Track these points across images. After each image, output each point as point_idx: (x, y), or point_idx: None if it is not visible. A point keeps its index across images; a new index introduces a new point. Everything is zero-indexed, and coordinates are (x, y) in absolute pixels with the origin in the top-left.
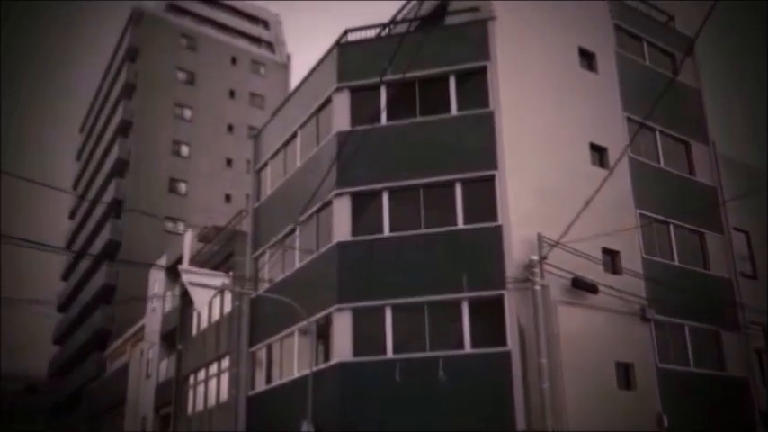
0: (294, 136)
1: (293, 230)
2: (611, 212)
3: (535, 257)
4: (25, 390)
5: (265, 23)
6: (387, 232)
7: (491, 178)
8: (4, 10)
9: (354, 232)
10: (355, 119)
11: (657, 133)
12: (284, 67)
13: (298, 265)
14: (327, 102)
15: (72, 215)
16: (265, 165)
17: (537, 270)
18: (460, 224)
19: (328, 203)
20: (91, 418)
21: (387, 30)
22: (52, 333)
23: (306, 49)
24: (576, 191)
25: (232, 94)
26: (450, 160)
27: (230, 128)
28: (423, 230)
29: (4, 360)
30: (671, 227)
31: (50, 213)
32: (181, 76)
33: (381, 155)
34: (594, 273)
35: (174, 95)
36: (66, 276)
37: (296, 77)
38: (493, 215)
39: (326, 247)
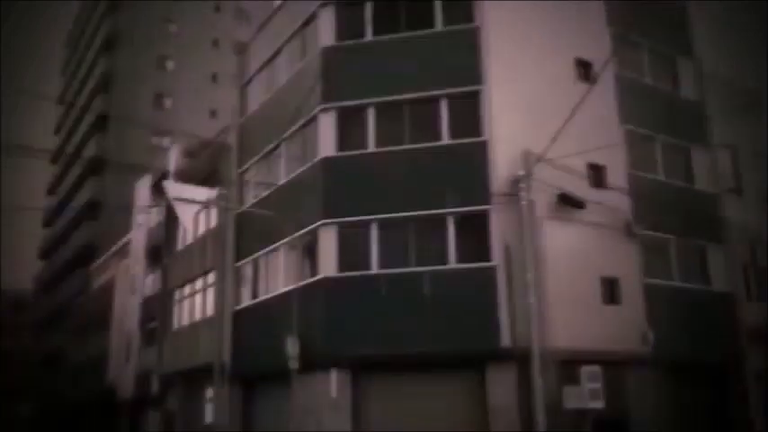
0: (279, 51)
1: (278, 146)
2: (597, 128)
3: (521, 172)
4: (11, 306)
5: None
6: (372, 148)
7: (476, 94)
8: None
9: (340, 148)
10: (341, 34)
11: (644, 48)
12: None
13: (283, 179)
14: (313, 17)
15: (57, 130)
16: (250, 80)
17: (523, 185)
18: (446, 140)
19: (313, 119)
20: (77, 333)
21: None
22: (38, 248)
23: None
24: (562, 107)
25: (218, 8)
26: (436, 76)
27: (215, 42)
28: (408, 146)
29: None
30: (656, 142)
31: (36, 128)
32: None
33: (367, 71)
34: (580, 189)
35: (159, 10)
36: (51, 191)
37: None
38: (478, 131)
39: (312, 162)
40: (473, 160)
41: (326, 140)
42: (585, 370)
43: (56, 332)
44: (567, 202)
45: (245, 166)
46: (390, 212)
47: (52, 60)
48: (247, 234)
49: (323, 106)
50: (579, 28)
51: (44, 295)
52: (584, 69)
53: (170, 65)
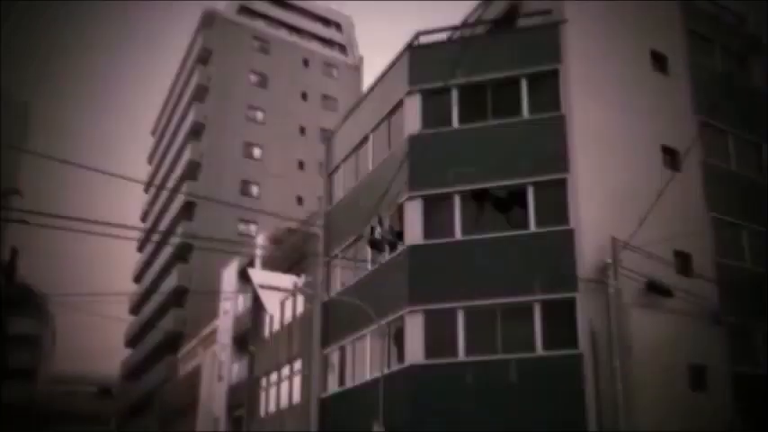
0: (366, 139)
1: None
2: (684, 215)
3: (609, 260)
4: (98, 393)
5: (338, 25)
6: (458, 236)
7: (563, 182)
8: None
9: (426, 235)
10: (427, 122)
11: (730, 135)
12: (356, 68)
13: (370, 267)
14: (399, 105)
15: (144, 217)
16: (337, 168)
17: (610, 273)
18: (532, 228)
19: (400, 207)
20: (163, 421)
21: (458, 33)
22: (124, 336)
23: (378, 51)
24: (648, 194)
25: (304, 96)
26: (522, 164)
27: (302, 130)
28: (494, 234)
29: (78, 363)
30: (743, 230)
31: (123, 214)
32: (253, 78)
33: (453, 158)
34: (667, 277)
35: (246, 98)
36: (138, 279)
37: (368, 79)
38: (565, 219)
39: (399, 250)
40: (559, 247)
41: (413, 228)
42: None
43: (143, 419)
44: (655, 289)
45: (332, 254)
46: (476, 299)
47: (138, 147)
48: (334, 321)
49: (409, 194)
50: (665, 115)
51: (131, 382)
52: (671, 157)
53: (257, 152)
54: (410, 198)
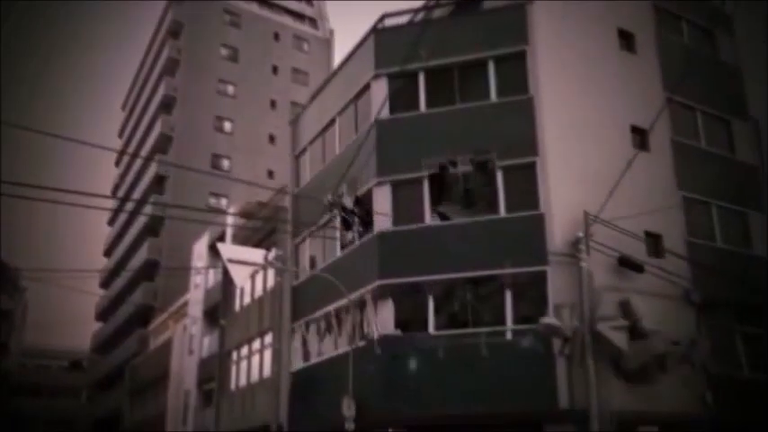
0: (332, 122)
1: (334, 218)
2: (654, 195)
3: (580, 234)
4: (69, 366)
5: None
6: (428, 221)
7: (532, 165)
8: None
9: (395, 220)
10: (394, 106)
11: (698, 112)
12: (327, 42)
13: (339, 248)
14: (365, 88)
15: (114, 191)
16: (304, 150)
17: (582, 246)
18: (502, 213)
19: (368, 192)
20: (134, 394)
21: (423, 14)
22: (95, 309)
23: (348, 23)
24: (617, 175)
25: (275, 69)
26: (491, 147)
27: (273, 104)
28: (464, 220)
29: (49, 337)
30: (713, 207)
31: (92, 189)
32: (224, 51)
33: (421, 142)
34: (638, 256)
35: (217, 71)
36: (108, 253)
37: (339, 53)
38: (535, 203)
39: (367, 237)
40: (530, 229)
41: (382, 211)
42: (642, 430)
43: (113, 392)
44: (627, 265)
45: (300, 238)
46: (446, 273)
47: (110, 123)
48: (304, 295)
49: (378, 180)
50: (634, 94)
51: (102, 355)
52: (640, 136)
53: (227, 126)
54: (379, 184)
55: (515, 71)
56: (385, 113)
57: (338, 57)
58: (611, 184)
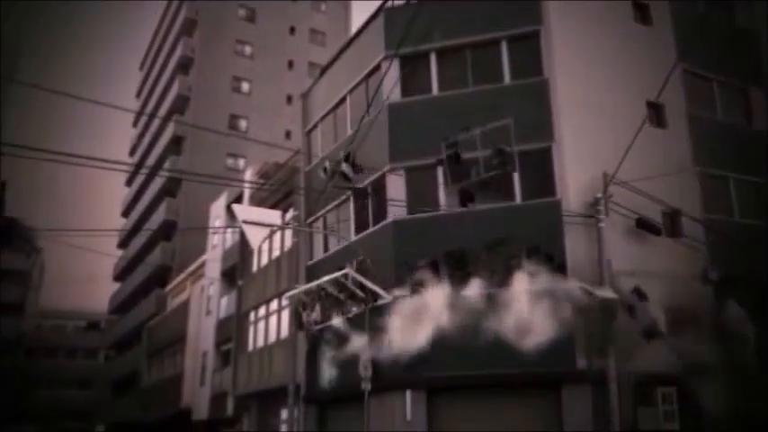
0: (343, 100)
1: (347, 199)
2: (670, 172)
3: (599, 195)
4: (86, 327)
5: None
6: (444, 208)
7: (548, 150)
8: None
9: (409, 209)
10: (406, 87)
11: (714, 83)
12: (345, 3)
13: (353, 236)
14: (376, 68)
15: (132, 151)
16: (315, 126)
17: (601, 207)
18: (518, 200)
19: (382, 177)
20: (151, 355)
21: None
22: (113, 270)
23: None
24: (633, 152)
25: (293, 30)
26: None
27: (290, 64)
28: (481, 207)
29: (66, 297)
30: (730, 181)
31: (111, 149)
32: (241, 12)
33: (433, 127)
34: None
35: (234, 32)
36: (126, 213)
37: (356, 13)
38: (552, 187)
39: (381, 224)
40: (548, 213)
41: (395, 202)
42: (661, 392)
43: (130, 354)
44: (645, 227)
45: (313, 218)
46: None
47: (128, 84)
48: (319, 273)
49: (391, 166)
50: (650, 70)
51: (119, 316)
52: (656, 112)
53: (245, 86)
54: (392, 170)
55: (529, 52)
56: (396, 95)
57: (356, 17)
58: (627, 163)
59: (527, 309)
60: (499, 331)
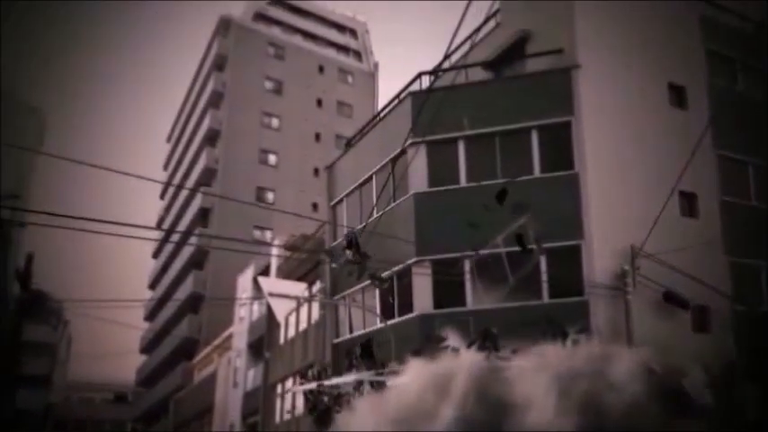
0: (370, 179)
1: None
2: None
3: (626, 267)
4: (114, 399)
5: (353, 32)
6: (470, 305)
7: (578, 248)
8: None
9: (436, 305)
10: (433, 173)
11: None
12: (371, 75)
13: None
14: (403, 152)
15: (159, 224)
16: (341, 201)
17: (629, 280)
18: (545, 300)
19: (407, 270)
20: (178, 427)
21: (463, 72)
22: (140, 342)
23: (393, 55)
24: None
25: (319, 102)
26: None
27: (317, 136)
28: (508, 305)
29: (93, 370)
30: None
31: (137, 217)
32: (268, 84)
33: (460, 219)
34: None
35: (261, 104)
36: (153, 285)
37: (383, 86)
38: (580, 287)
39: (407, 316)
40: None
41: (421, 295)
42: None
43: (158, 426)
44: (673, 301)
45: (339, 296)
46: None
47: (155, 156)
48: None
49: (416, 259)
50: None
51: (146, 388)
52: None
53: (272, 158)
54: (417, 263)
55: (560, 142)
56: (423, 183)
57: (383, 89)
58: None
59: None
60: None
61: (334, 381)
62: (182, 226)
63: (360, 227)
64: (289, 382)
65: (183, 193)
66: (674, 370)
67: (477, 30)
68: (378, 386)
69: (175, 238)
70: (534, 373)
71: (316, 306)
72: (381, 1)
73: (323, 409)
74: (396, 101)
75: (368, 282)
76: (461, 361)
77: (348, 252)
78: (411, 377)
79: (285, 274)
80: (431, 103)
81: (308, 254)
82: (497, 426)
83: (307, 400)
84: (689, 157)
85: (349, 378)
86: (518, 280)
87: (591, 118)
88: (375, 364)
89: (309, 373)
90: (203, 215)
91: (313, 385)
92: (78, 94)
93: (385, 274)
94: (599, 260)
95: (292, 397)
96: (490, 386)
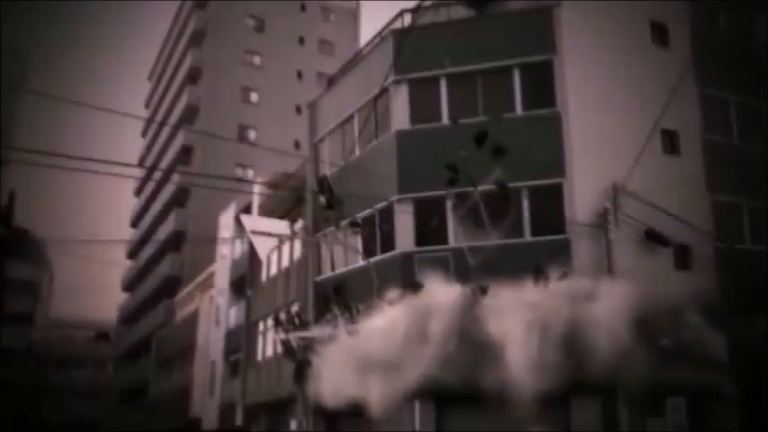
0: (351, 117)
1: (355, 223)
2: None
3: (608, 205)
4: (95, 337)
5: None
6: (452, 243)
7: (559, 187)
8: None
9: (418, 242)
10: (414, 112)
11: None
12: (353, 13)
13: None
14: (384, 90)
15: (141, 161)
16: (323, 139)
17: (611, 218)
18: (527, 237)
19: (389, 207)
20: (160, 364)
21: (445, 10)
22: (122, 280)
23: None
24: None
25: (301, 40)
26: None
27: (299, 74)
28: (488, 243)
29: (75, 307)
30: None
31: (120, 158)
32: (250, 22)
33: (442, 158)
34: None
35: (243, 42)
36: (135, 223)
37: (365, 23)
38: (562, 225)
39: (391, 252)
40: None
41: (403, 232)
42: (670, 401)
43: (139, 364)
44: (653, 238)
45: (321, 233)
46: None
47: (137, 92)
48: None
49: (399, 197)
50: (666, 93)
51: (128, 326)
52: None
53: (254, 96)
54: (400, 201)
55: (542, 80)
56: (405, 121)
57: (365, 27)
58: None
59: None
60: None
61: (306, 334)
62: (164, 164)
63: (341, 166)
64: (271, 320)
65: (165, 131)
66: (663, 312)
67: None
68: (350, 332)
69: (157, 175)
70: (515, 312)
71: (298, 244)
72: None
73: (298, 365)
74: (377, 39)
75: (348, 220)
76: (439, 302)
77: (321, 198)
78: (385, 321)
79: (267, 212)
80: (412, 41)
81: (290, 192)
82: (478, 365)
83: (284, 346)
84: (670, 95)
85: (322, 332)
86: (500, 218)
87: (573, 56)
88: (349, 307)
89: (283, 316)
90: (185, 153)
91: (287, 336)
92: (60, 33)
93: (367, 212)
94: (581, 198)
95: (274, 334)
96: (470, 326)
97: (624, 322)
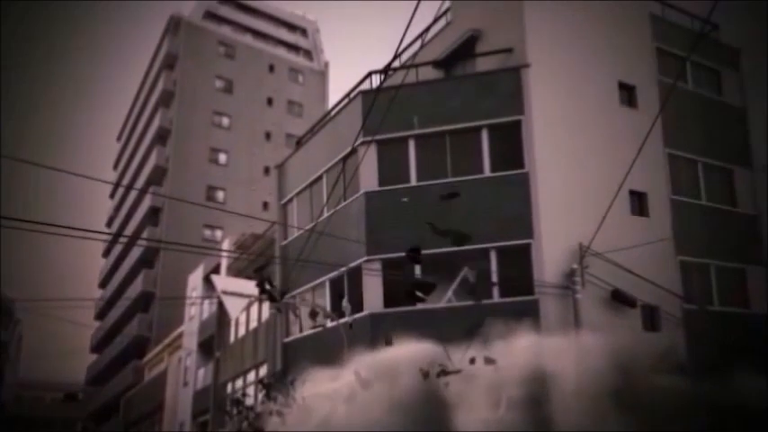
0: (320, 178)
1: (323, 283)
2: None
3: (574, 266)
4: (64, 398)
5: (303, 31)
6: (420, 304)
7: (527, 247)
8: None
9: (386, 304)
10: (383, 172)
11: (699, 165)
12: (322, 74)
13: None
14: (353, 151)
15: (109, 222)
16: (291, 200)
17: (577, 279)
18: (496, 299)
19: (357, 269)
20: (128, 425)
21: (414, 71)
22: (90, 341)
23: (343, 54)
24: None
25: (270, 101)
26: (486, 231)
27: (268, 135)
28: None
29: (44, 368)
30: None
31: (89, 220)
32: (219, 83)
33: (409, 223)
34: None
35: (211, 103)
36: (103, 284)
37: (334, 85)
38: (531, 288)
39: (360, 314)
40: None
41: (372, 293)
42: None
43: (108, 425)
44: (620, 299)
45: (289, 295)
46: None
47: (106, 154)
48: (296, 352)
49: (366, 258)
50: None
51: (97, 387)
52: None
53: (222, 157)
54: (368, 261)
55: (510, 141)
56: (374, 182)
57: (333, 88)
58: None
59: None
60: None
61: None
62: (132, 225)
63: (310, 226)
64: (239, 381)
65: (134, 192)
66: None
67: (427, 29)
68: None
69: (126, 237)
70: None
71: (266, 305)
72: (331, 0)
73: None
74: (346, 100)
75: (318, 281)
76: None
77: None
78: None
79: (235, 272)
80: (381, 102)
81: (259, 254)
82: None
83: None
84: (637, 156)
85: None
86: (468, 280)
87: (541, 117)
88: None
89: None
90: (153, 213)
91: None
92: (28, 94)
93: (334, 274)
94: (549, 259)
95: (242, 396)
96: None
97: (588, 381)
